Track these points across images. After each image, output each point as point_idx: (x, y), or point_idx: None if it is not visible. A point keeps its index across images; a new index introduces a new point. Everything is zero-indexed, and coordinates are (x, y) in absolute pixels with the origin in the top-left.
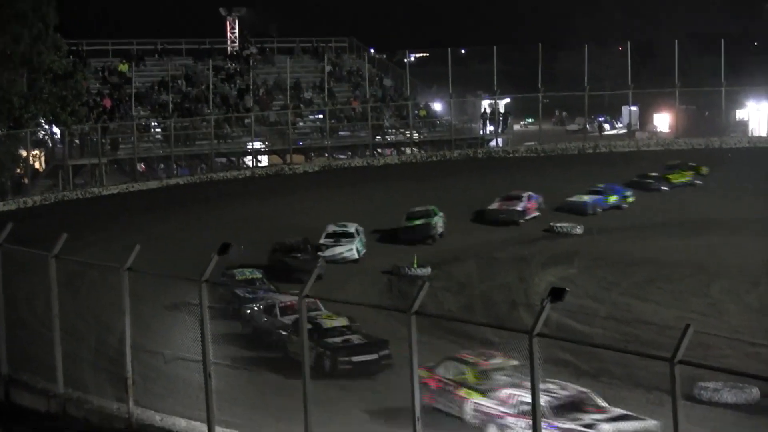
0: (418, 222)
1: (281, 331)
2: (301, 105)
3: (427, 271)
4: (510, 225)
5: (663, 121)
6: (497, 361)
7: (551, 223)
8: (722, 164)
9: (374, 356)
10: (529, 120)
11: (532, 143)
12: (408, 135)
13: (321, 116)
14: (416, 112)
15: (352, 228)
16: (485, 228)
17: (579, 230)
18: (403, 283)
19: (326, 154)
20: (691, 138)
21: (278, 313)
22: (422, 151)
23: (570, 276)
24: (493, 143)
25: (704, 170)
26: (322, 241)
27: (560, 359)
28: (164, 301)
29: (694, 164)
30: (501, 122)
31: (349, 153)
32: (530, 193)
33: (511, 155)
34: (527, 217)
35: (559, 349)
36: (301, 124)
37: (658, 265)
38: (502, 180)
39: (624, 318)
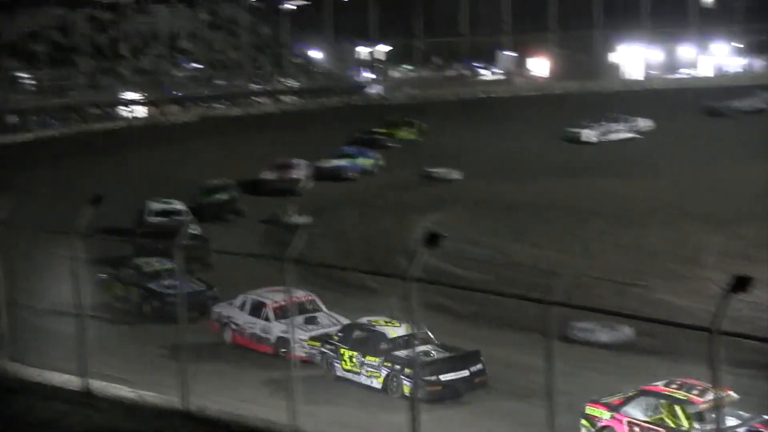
0: (220, 196)
1: (303, 343)
2: (177, 54)
3: (306, 219)
4: (287, 195)
5: (539, 65)
6: (711, 396)
7: (427, 168)
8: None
9: (466, 373)
10: (407, 67)
11: (410, 90)
12: (286, 83)
13: (197, 65)
14: (293, 59)
15: (178, 204)
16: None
17: (456, 175)
18: (281, 231)
19: (203, 104)
20: (566, 82)
21: (270, 316)
22: (300, 99)
23: (447, 221)
24: (371, 90)
25: (424, 127)
26: (150, 219)
27: (438, 304)
28: (38, 255)
29: (412, 120)
30: (379, 69)
31: (227, 102)
32: (300, 160)
33: (388, 102)
34: (302, 186)
35: (438, 294)
36: (177, 73)
37: (533, 207)
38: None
39: (501, 261)
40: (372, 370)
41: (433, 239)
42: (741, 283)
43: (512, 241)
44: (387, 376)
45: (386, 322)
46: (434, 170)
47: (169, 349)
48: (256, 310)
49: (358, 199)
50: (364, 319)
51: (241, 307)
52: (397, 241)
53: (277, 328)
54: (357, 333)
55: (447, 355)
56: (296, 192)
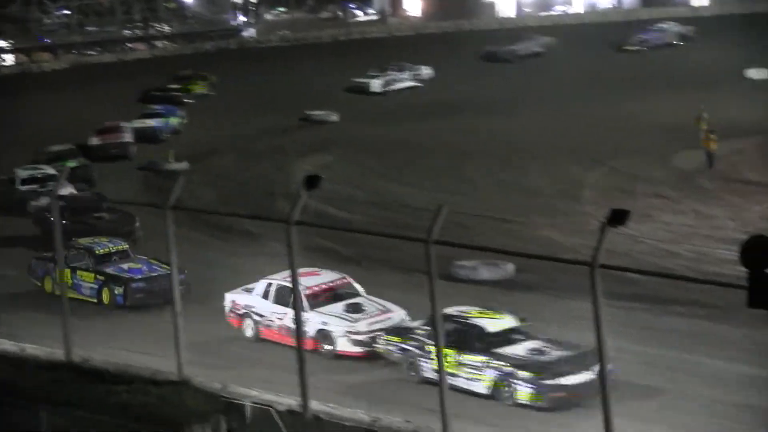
0: (72, 164)
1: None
2: (46, 0)
3: (185, 165)
4: (121, 160)
5: (413, 5)
6: None
7: (305, 111)
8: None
9: (591, 375)
10: (281, 9)
11: (285, 32)
12: (159, 28)
13: (67, 12)
14: (166, 4)
15: (50, 169)
16: (239, 118)
17: (335, 117)
18: (159, 178)
19: (75, 51)
20: (441, 21)
21: (304, 304)
22: (174, 45)
23: (327, 163)
24: (245, 33)
25: (213, 79)
26: (22, 188)
27: (321, 246)
28: None
29: (204, 74)
30: (252, 12)
31: (99, 48)
32: (122, 122)
33: (263, 45)
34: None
35: (320, 237)
36: (46, 20)
37: (412, 148)
38: (256, 73)
39: (382, 202)
40: (474, 371)
41: (312, 181)
42: (618, 217)
43: (392, 182)
44: (496, 379)
45: (481, 312)
46: (313, 113)
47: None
48: (284, 297)
49: (237, 143)
50: (452, 309)
51: (265, 295)
52: (276, 184)
53: (315, 319)
54: (448, 326)
55: (566, 353)
56: (129, 157)
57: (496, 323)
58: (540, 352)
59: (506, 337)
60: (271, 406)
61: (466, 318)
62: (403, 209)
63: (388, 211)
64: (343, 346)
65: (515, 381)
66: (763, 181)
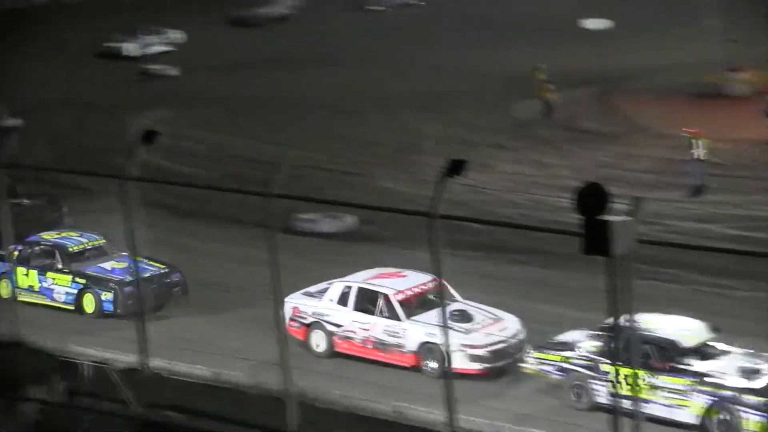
0: None
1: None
2: None
3: (18, 121)
4: None
5: None
6: None
7: (143, 65)
8: None
9: None
10: None
11: None
12: None
13: None
14: None
15: None
16: (75, 73)
17: (174, 71)
18: None
19: None
20: None
21: (399, 312)
22: None
23: (167, 117)
24: None
25: None
26: None
27: (160, 202)
28: None
29: None
30: None
31: None
32: None
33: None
34: None
35: (161, 193)
36: None
37: (253, 101)
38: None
39: (223, 156)
40: (676, 397)
41: (149, 136)
42: (456, 167)
43: (231, 136)
44: (710, 405)
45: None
46: (151, 67)
47: None
48: (367, 303)
49: (73, 98)
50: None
51: (342, 300)
52: (114, 140)
53: (415, 330)
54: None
55: None
56: None
57: (690, 336)
58: (755, 370)
59: (702, 352)
60: (108, 364)
61: (653, 330)
62: (245, 163)
63: (229, 165)
64: (458, 362)
65: (739, 408)
66: (599, 129)
